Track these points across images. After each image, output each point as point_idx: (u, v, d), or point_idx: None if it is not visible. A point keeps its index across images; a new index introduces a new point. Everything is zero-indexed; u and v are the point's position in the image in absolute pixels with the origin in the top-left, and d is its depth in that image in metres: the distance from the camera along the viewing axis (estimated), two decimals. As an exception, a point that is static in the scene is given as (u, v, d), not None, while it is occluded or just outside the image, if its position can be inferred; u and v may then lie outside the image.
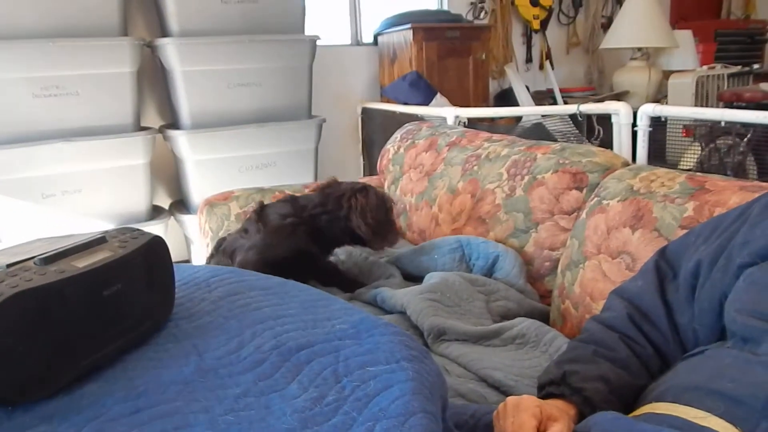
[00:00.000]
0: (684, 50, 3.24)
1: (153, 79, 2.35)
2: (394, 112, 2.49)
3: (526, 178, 1.25)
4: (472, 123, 2.12)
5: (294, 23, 2.30)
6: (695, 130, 2.05)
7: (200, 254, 2.06)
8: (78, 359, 0.47)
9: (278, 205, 1.20)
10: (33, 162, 1.90)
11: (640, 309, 0.70)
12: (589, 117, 2.09)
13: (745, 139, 2.02)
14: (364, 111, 2.81)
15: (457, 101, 2.57)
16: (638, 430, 0.52)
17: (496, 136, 1.50)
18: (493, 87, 3.23)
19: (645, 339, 0.68)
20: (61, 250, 0.50)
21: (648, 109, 1.56)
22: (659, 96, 3.11)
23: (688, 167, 2.01)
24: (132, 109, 2.08)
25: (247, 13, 2.17)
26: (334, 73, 2.78)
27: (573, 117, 1.94)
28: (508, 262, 1.16)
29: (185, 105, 2.15)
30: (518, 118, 2.28)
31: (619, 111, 1.60)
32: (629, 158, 1.50)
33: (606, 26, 3.55)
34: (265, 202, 1.23)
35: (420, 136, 1.71)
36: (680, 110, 1.73)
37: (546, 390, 0.64)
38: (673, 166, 1.97)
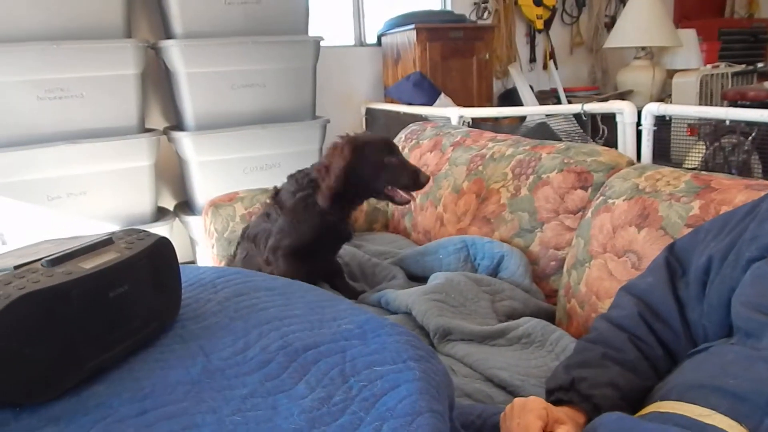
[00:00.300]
0: (688, 49, 3.23)
1: (157, 80, 2.36)
2: (398, 113, 2.49)
3: (531, 177, 1.24)
4: (476, 123, 2.11)
5: (297, 24, 2.30)
6: (700, 129, 2.04)
7: (205, 255, 2.07)
8: (85, 361, 0.47)
9: (287, 184, 1.22)
10: (38, 164, 1.91)
11: (651, 306, 0.69)
12: (593, 116, 2.08)
13: (750, 138, 2.01)
14: (368, 111, 2.81)
15: (461, 101, 2.57)
16: (642, 430, 0.52)
17: (500, 136, 1.50)
18: (497, 87, 3.22)
19: (655, 339, 0.68)
20: (68, 251, 0.50)
21: (652, 108, 1.56)
22: (663, 95, 3.10)
23: (692, 166, 2.00)
24: (136, 111, 2.09)
25: (250, 15, 2.18)
26: (338, 74, 2.79)
27: (577, 116, 1.93)
28: (513, 262, 1.16)
29: (189, 106, 2.15)
30: (522, 118, 2.28)
31: (623, 110, 1.59)
32: (634, 157, 1.49)
33: (609, 25, 3.54)
34: (278, 186, 1.24)
35: (424, 136, 1.71)
36: (685, 109, 1.72)
37: (555, 396, 0.64)
38: (678, 165, 1.96)
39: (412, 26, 2.61)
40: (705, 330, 0.66)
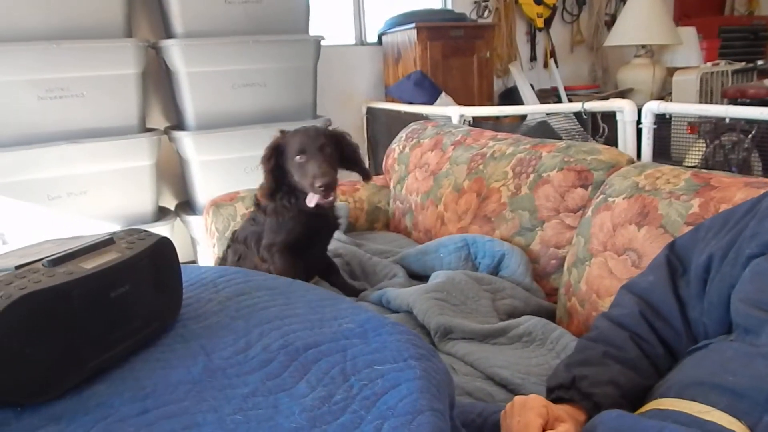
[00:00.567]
0: (688, 47, 3.22)
1: (158, 80, 2.36)
2: (398, 112, 2.49)
3: (532, 176, 1.24)
4: (477, 122, 2.11)
5: (298, 23, 2.30)
6: (700, 127, 2.04)
7: (206, 255, 2.07)
8: (86, 360, 0.48)
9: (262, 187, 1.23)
10: (38, 164, 1.91)
11: (652, 304, 0.69)
12: (593, 115, 2.08)
13: (750, 136, 2.01)
14: (369, 111, 2.81)
15: (462, 100, 2.56)
16: (642, 427, 0.52)
17: (501, 135, 1.50)
18: (498, 86, 3.22)
19: (656, 337, 0.68)
20: (69, 251, 0.50)
21: (653, 107, 1.55)
22: (663, 93, 3.10)
23: (692, 164, 2.00)
24: (137, 111, 2.09)
25: (251, 14, 2.18)
26: (339, 73, 2.79)
27: (578, 115, 1.93)
28: (514, 261, 1.16)
29: (190, 106, 2.15)
30: (523, 117, 2.27)
31: (623, 108, 1.59)
32: (634, 156, 1.49)
33: (610, 24, 3.54)
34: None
35: (425, 135, 1.71)
36: (685, 107, 1.72)
37: (555, 394, 0.64)
38: (678, 163, 1.95)
39: (413, 25, 2.61)
40: (705, 328, 0.66)
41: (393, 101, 2.71)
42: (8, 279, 0.45)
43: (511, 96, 3.17)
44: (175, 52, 2.06)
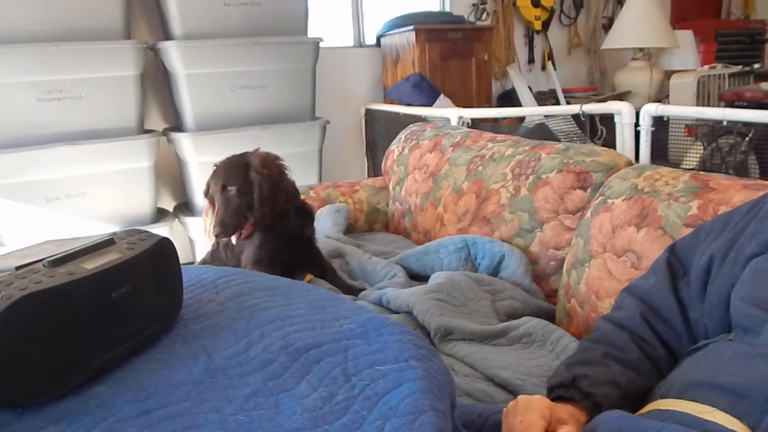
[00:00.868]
0: (685, 50, 3.24)
1: (156, 82, 2.36)
2: (397, 114, 2.50)
3: (531, 177, 1.25)
4: (476, 124, 2.12)
5: (297, 25, 2.30)
6: (697, 129, 2.05)
7: (204, 256, 2.05)
8: (87, 361, 0.47)
9: None
10: (37, 165, 1.91)
11: (653, 307, 0.70)
12: (591, 117, 2.09)
13: (747, 139, 2.02)
14: (368, 112, 2.81)
15: (460, 102, 2.57)
16: (642, 428, 0.52)
17: (500, 137, 1.50)
18: (496, 88, 3.23)
19: (657, 339, 0.68)
20: (69, 252, 0.50)
21: (650, 109, 1.56)
22: (661, 96, 3.11)
23: (690, 167, 2.01)
24: (136, 112, 2.09)
25: (249, 16, 2.18)
26: (338, 75, 2.79)
27: (576, 117, 1.94)
28: (513, 262, 1.16)
29: (189, 107, 2.15)
30: (521, 119, 2.28)
31: (621, 111, 1.60)
32: (632, 158, 1.50)
33: (607, 27, 3.55)
34: None
35: (424, 137, 1.71)
36: (682, 110, 1.73)
37: (556, 393, 0.64)
38: (676, 165, 1.96)
39: (411, 27, 2.62)
40: (706, 328, 0.66)
41: (392, 103, 2.71)
42: (9, 279, 0.45)
43: (509, 98, 3.18)
44: (173, 53, 2.07)
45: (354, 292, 1.19)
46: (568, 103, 3.08)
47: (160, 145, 2.18)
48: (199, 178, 2.22)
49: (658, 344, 0.68)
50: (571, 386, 0.63)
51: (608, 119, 1.79)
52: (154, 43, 2.14)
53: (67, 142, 1.94)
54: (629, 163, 1.17)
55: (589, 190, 1.14)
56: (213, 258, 1.28)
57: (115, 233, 0.57)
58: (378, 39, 2.93)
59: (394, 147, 1.82)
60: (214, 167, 1.17)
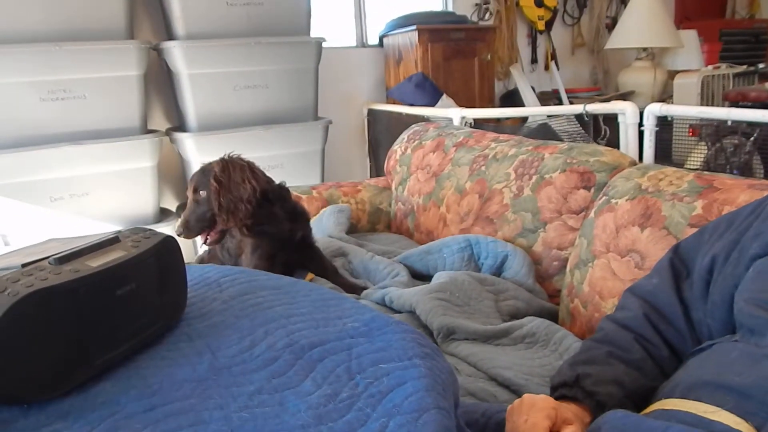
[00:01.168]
0: (689, 50, 3.23)
1: (159, 82, 2.36)
2: (400, 114, 2.50)
3: (534, 177, 1.25)
4: (478, 124, 2.12)
5: (299, 25, 2.30)
6: (701, 129, 2.04)
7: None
8: (92, 358, 0.48)
9: None
10: (41, 165, 1.91)
11: (656, 307, 0.70)
12: (595, 117, 2.08)
13: (751, 139, 2.01)
14: (370, 112, 2.81)
15: (463, 102, 2.57)
16: (647, 427, 0.52)
17: (503, 137, 1.50)
18: (499, 88, 3.23)
19: (661, 339, 0.68)
20: (75, 249, 0.50)
21: (655, 109, 1.56)
22: (664, 96, 3.10)
23: (694, 167, 2.00)
24: (139, 112, 2.10)
25: (252, 16, 2.18)
26: (340, 75, 2.79)
27: (579, 117, 1.93)
28: (516, 262, 1.16)
29: (191, 107, 2.16)
30: (524, 119, 2.28)
31: (625, 111, 1.59)
32: (636, 158, 1.49)
33: (611, 26, 3.55)
34: None
35: (427, 137, 1.71)
36: (687, 109, 1.73)
37: (559, 392, 0.64)
38: (679, 165, 1.96)
39: (414, 27, 2.62)
40: (709, 329, 0.66)
41: (394, 103, 2.71)
42: (15, 277, 0.45)
43: (512, 98, 3.18)
44: (176, 53, 2.07)
45: (356, 290, 1.19)
46: (571, 103, 3.08)
47: (163, 145, 2.19)
48: (202, 178, 2.22)
49: (661, 344, 0.68)
50: (574, 385, 0.63)
51: (612, 119, 1.78)
52: (157, 44, 2.14)
53: (70, 142, 1.94)
54: (633, 163, 1.17)
55: (592, 190, 1.14)
56: (210, 257, 1.29)
57: (119, 231, 0.58)
58: (380, 39, 2.93)
59: (397, 147, 1.82)
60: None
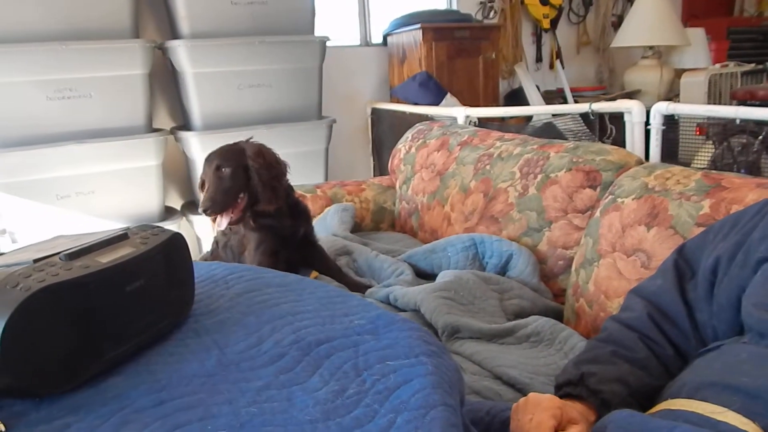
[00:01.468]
0: (696, 48, 3.21)
1: (164, 81, 2.37)
2: (404, 113, 2.50)
3: (539, 176, 1.24)
4: (483, 123, 2.11)
5: (303, 24, 2.31)
6: (709, 128, 2.03)
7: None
8: (102, 353, 0.48)
9: None
10: (47, 164, 1.93)
11: (660, 308, 0.69)
12: (600, 116, 2.07)
13: (759, 138, 2.00)
14: (374, 111, 2.81)
15: (467, 101, 2.56)
16: (653, 427, 0.52)
17: (508, 135, 1.50)
18: (503, 87, 3.22)
19: (665, 339, 0.67)
20: (85, 245, 0.51)
21: (661, 107, 1.55)
22: (671, 95, 3.08)
23: (701, 166, 1.99)
24: (144, 111, 2.11)
25: (256, 15, 2.19)
26: (344, 74, 2.79)
27: (584, 116, 1.93)
28: (521, 261, 1.16)
29: (196, 106, 2.16)
30: (528, 118, 2.27)
31: (631, 109, 1.58)
32: (642, 157, 1.49)
33: (616, 25, 3.53)
34: None
35: (431, 136, 1.71)
36: (695, 108, 1.71)
37: (563, 390, 0.64)
38: (686, 165, 1.94)
39: (418, 26, 2.62)
40: (715, 330, 0.65)
41: (398, 102, 2.71)
42: (27, 272, 0.46)
43: (516, 97, 3.17)
44: (181, 52, 2.08)
45: (361, 289, 1.19)
46: (576, 102, 3.07)
47: (167, 144, 2.20)
48: (207, 177, 2.23)
49: (666, 344, 0.67)
50: (579, 384, 0.63)
51: (617, 118, 1.78)
52: (162, 43, 2.15)
53: (76, 140, 1.96)
54: (640, 162, 1.16)
55: (598, 189, 1.14)
56: (213, 257, 1.30)
57: (128, 228, 0.58)
58: (384, 38, 2.93)
59: (401, 146, 1.82)
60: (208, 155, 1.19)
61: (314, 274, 1.25)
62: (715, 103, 2.65)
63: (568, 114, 2.00)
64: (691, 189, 0.95)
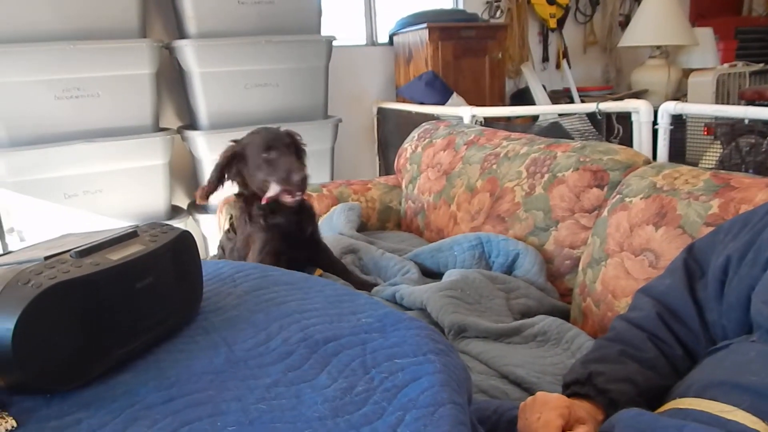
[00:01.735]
0: (704, 48, 3.18)
1: (171, 80, 2.38)
2: (409, 112, 2.49)
3: (546, 176, 1.24)
4: (489, 122, 2.11)
5: (310, 24, 2.31)
6: (716, 128, 2.01)
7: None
8: (112, 349, 0.48)
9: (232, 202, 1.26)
10: (55, 163, 1.94)
11: (670, 308, 0.69)
12: (607, 116, 2.06)
13: (768, 138, 1.98)
14: (380, 111, 2.81)
15: (473, 101, 2.56)
16: (662, 426, 0.51)
17: (514, 135, 1.49)
18: (510, 86, 3.21)
19: (674, 339, 0.67)
20: (95, 243, 0.51)
21: (669, 107, 1.54)
22: (678, 95, 3.06)
23: (709, 167, 1.98)
24: (151, 111, 2.12)
25: (263, 14, 2.19)
26: (350, 74, 2.80)
27: (591, 116, 1.92)
28: (528, 260, 1.15)
29: (203, 106, 2.17)
30: (535, 118, 2.26)
31: (639, 109, 1.58)
32: (650, 157, 1.48)
33: (624, 24, 3.51)
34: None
35: (438, 135, 1.71)
36: (703, 108, 1.70)
37: (571, 389, 0.64)
38: (694, 165, 1.93)
39: (424, 25, 2.61)
40: (724, 329, 0.65)
41: (404, 101, 2.71)
42: (38, 269, 0.46)
43: (522, 97, 3.16)
44: (188, 52, 2.09)
45: (366, 287, 1.19)
46: (582, 102, 3.05)
47: (174, 143, 2.21)
48: (213, 176, 2.23)
49: (675, 343, 0.67)
50: (587, 383, 0.62)
51: (624, 118, 1.77)
52: (169, 42, 2.16)
53: (84, 139, 1.97)
54: (647, 162, 1.16)
55: (606, 189, 1.13)
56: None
57: (137, 226, 0.58)
58: (391, 37, 2.93)
59: (407, 145, 1.82)
60: (235, 142, 1.20)
61: (318, 272, 1.25)
62: (723, 104, 2.63)
63: (575, 114, 1.99)
64: (699, 189, 0.94)
